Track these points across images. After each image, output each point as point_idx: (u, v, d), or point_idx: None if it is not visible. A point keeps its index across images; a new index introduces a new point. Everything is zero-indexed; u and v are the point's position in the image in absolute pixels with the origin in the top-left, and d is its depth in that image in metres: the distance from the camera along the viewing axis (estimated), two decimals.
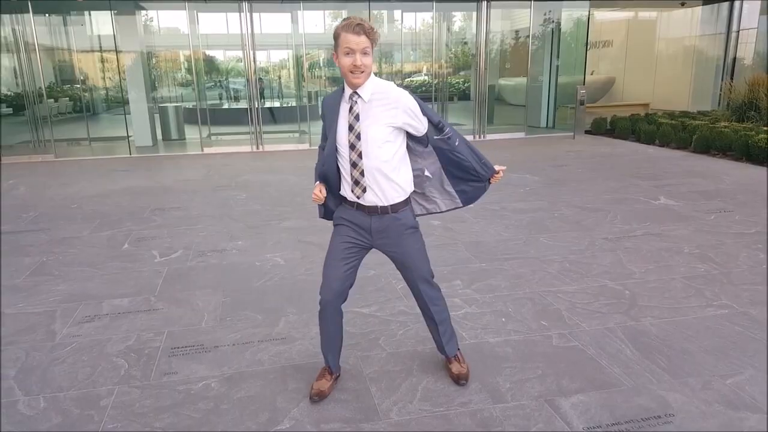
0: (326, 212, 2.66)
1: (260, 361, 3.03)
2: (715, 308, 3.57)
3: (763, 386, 2.70)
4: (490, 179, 2.67)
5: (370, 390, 2.74)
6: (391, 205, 2.48)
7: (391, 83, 2.42)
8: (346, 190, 2.50)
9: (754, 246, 4.72)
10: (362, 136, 2.36)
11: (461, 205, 2.72)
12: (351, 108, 2.37)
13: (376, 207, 2.47)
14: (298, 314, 3.60)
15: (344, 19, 2.29)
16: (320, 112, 2.52)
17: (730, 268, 4.24)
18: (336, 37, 2.28)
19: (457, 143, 2.55)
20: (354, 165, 2.41)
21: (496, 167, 2.67)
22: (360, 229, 2.52)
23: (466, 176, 2.63)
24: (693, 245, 4.79)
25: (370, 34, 2.25)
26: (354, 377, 2.84)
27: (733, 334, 3.23)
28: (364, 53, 2.26)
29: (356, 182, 2.44)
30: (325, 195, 2.53)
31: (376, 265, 4.21)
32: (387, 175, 2.43)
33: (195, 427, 2.48)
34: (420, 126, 2.46)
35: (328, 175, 2.51)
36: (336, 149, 2.45)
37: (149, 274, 4.38)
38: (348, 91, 2.38)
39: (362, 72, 2.28)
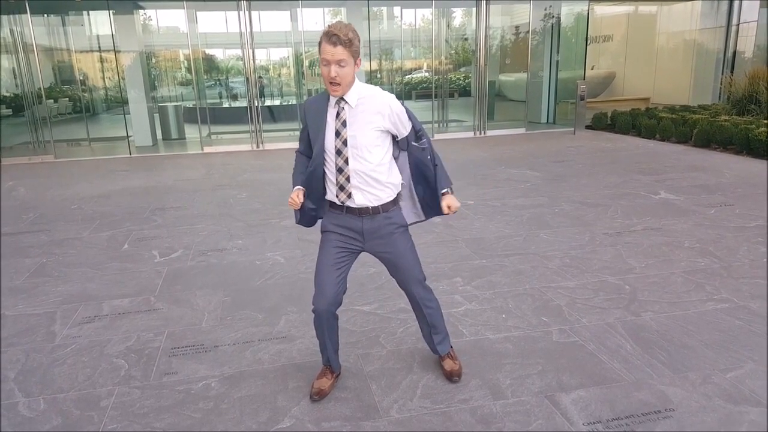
0: (302, 217, 2.60)
1: (260, 360, 3.04)
2: (715, 302, 3.57)
3: (763, 380, 2.69)
4: (440, 206, 2.56)
5: (371, 388, 2.74)
6: (381, 205, 2.48)
7: (377, 88, 2.42)
8: (333, 195, 2.49)
9: (755, 239, 4.71)
10: (350, 142, 2.36)
11: (424, 218, 2.70)
12: (338, 114, 2.36)
13: (367, 208, 2.46)
14: (299, 313, 3.60)
15: (328, 26, 2.25)
16: (301, 116, 2.45)
17: (731, 262, 4.23)
18: (319, 44, 2.26)
19: (429, 157, 2.54)
20: (340, 170, 2.40)
21: (450, 203, 2.54)
22: (351, 232, 2.51)
23: (426, 190, 2.60)
24: (693, 239, 4.78)
25: (347, 45, 2.20)
26: (354, 375, 2.84)
27: (733, 328, 3.22)
28: (340, 65, 2.22)
29: (341, 187, 2.43)
30: (302, 201, 2.49)
31: (377, 263, 4.20)
32: (377, 179, 2.43)
33: (195, 427, 2.48)
34: (404, 130, 2.47)
35: (313, 181, 2.48)
36: (323, 155, 2.43)
37: (149, 274, 4.38)
38: (333, 97, 2.36)
39: (338, 84, 2.25)
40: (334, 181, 2.44)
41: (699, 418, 2.43)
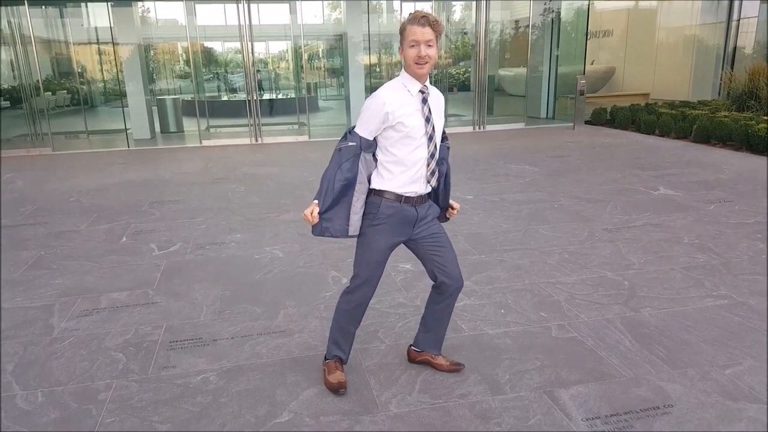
0: (331, 228, 2.49)
1: (259, 354, 3.03)
2: (714, 298, 3.57)
3: (761, 376, 2.69)
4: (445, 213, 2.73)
5: (369, 382, 2.73)
6: (430, 191, 2.58)
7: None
8: (410, 183, 2.44)
9: (754, 236, 4.71)
10: (435, 128, 2.44)
11: None
12: (425, 100, 2.41)
13: (427, 195, 2.53)
14: (297, 307, 3.59)
15: (410, 14, 2.34)
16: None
17: (730, 258, 4.23)
18: (402, 30, 2.33)
19: (447, 159, 2.64)
20: (432, 156, 2.46)
21: (453, 203, 2.73)
22: (404, 224, 2.50)
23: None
24: (692, 235, 4.78)
25: (434, 26, 2.30)
26: (353, 370, 2.84)
27: (732, 324, 3.22)
28: (428, 45, 2.30)
29: (433, 172, 2.50)
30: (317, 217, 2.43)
31: None
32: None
33: (193, 420, 2.48)
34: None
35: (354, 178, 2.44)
36: (414, 143, 2.40)
37: (147, 267, 4.37)
38: (413, 85, 2.38)
39: (426, 63, 2.32)
40: (425, 167, 2.45)
41: (697, 415, 2.43)
